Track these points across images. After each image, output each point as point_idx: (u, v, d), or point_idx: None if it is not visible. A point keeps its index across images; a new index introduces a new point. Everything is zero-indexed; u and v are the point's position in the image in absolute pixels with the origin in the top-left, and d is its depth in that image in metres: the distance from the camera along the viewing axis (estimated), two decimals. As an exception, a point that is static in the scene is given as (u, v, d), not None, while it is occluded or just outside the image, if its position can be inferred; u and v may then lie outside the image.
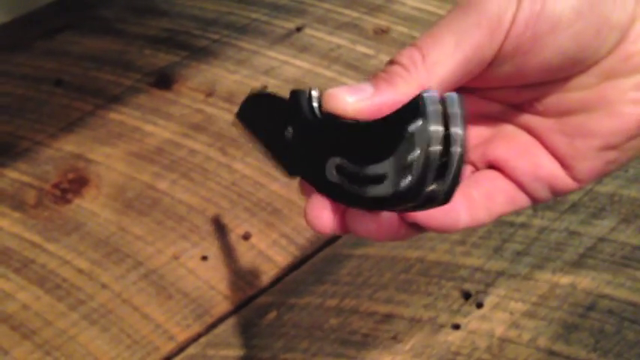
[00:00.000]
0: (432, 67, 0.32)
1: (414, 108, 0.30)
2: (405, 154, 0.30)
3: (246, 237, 0.61)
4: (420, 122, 0.29)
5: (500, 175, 0.36)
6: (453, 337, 0.52)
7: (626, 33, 0.33)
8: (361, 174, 0.31)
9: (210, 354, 0.54)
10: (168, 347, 0.54)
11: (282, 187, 0.64)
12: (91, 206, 0.64)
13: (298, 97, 0.34)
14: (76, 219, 0.63)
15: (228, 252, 0.60)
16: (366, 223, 0.33)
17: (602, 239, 0.58)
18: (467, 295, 0.55)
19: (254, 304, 0.57)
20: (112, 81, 0.75)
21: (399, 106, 0.30)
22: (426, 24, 0.79)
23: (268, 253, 0.60)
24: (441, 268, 0.57)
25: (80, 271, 0.59)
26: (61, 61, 0.78)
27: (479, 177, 0.36)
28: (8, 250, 0.61)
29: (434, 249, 0.58)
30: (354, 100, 0.32)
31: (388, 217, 0.33)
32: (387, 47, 0.77)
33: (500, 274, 0.56)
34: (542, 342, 0.52)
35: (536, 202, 0.37)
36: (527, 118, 0.36)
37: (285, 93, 0.35)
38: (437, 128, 0.29)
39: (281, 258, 0.59)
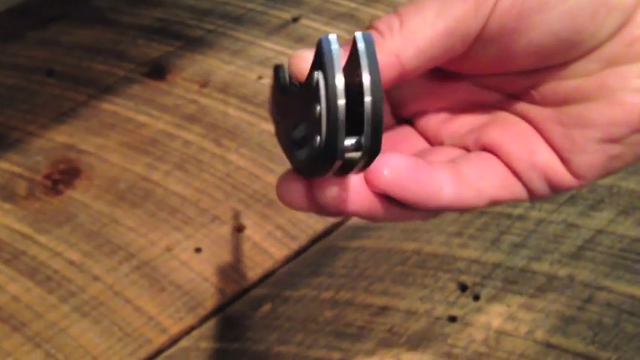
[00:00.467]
0: (409, 35, 0.31)
1: (318, 57, 0.27)
2: (314, 110, 0.28)
3: (240, 229, 0.60)
4: (320, 73, 0.27)
5: (494, 158, 0.34)
6: (450, 330, 0.52)
7: (631, 16, 0.31)
8: (290, 139, 0.30)
9: (204, 347, 0.53)
10: (160, 340, 0.54)
11: (277, 178, 0.63)
12: (82, 197, 0.63)
13: (277, 71, 0.33)
14: (68, 210, 0.62)
15: (222, 244, 0.59)
16: (328, 190, 0.31)
17: (600, 231, 0.57)
18: (463, 288, 0.54)
19: (248, 297, 0.56)
20: (105, 71, 0.74)
21: None
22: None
23: (263, 245, 0.59)
24: (438, 260, 0.56)
25: (71, 262, 0.58)
26: (53, 50, 0.77)
27: (471, 155, 0.34)
28: (-1, 242, 0.60)
29: (430, 241, 0.57)
30: None
31: (354, 184, 0.31)
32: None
33: (497, 266, 0.55)
34: (540, 335, 0.51)
35: (534, 196, 0.34)
36: (525, 107, 0.34)
37: None
38: (335, 76, 0.27)
39: (276, 250, 0.59)
